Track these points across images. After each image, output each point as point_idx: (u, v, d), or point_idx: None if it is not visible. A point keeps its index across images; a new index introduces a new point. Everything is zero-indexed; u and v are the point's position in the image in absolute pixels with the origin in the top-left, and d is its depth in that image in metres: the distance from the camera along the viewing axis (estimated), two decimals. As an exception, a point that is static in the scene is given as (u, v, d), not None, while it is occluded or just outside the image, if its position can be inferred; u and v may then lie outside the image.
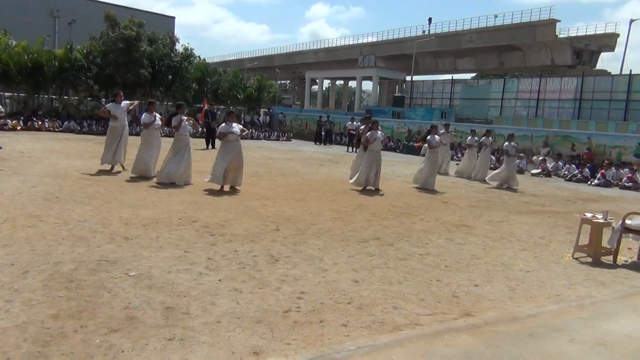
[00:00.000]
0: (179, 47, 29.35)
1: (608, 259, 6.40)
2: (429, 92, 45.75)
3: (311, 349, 3.37)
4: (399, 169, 16.47)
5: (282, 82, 74.46)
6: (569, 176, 17.49)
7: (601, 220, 6.50)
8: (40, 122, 22.31)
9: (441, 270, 5.46)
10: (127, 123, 11.54)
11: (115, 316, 3.64)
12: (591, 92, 33.77)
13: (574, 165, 18.15)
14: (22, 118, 22.40)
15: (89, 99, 27.64)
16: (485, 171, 15.07)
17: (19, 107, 25.42)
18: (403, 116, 36.07)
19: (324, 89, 58.54)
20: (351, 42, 59.69)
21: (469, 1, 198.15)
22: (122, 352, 3.15)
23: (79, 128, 23.14)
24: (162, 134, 11.57)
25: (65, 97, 27.58)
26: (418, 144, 24.66)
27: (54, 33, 45.76)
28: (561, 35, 41.44)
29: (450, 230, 7.54)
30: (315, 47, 64.09)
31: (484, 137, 15.27)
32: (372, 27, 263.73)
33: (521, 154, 17.51)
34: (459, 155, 21.39)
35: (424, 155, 14.15)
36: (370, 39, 57.46)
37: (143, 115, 10.68)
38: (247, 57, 71.09)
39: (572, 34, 42.16)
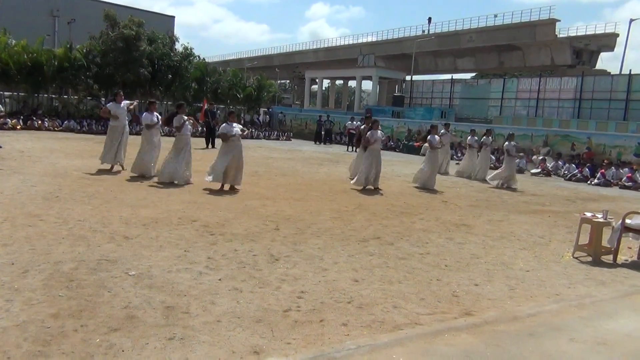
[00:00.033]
0: (178, 47, 29.36)
1: (608, 258, 6.40)
2: (428, 91, 45.78)
3: (311, 348, 3.37)
4: (399, 169, 16.47)
5: (282, 81, 74.53)
6: (569, 176, 17.49)
7: (601, 220, 6.50)
8: (40, 122, 22.30)
9: (441, 269, 5.47)
10: (127, 123, 11.53)
11: (115, 315, 3.64)
12: (591, 91, 33.80)
13: (573, 165, 18.15)
14: (21, 117, 22.38)
15: (88, 98, 27.62)
16: (485, 170, 15.09)
17: (18, 106, 25.39)
18: (403, 116, 36.08)
19: (323, 88, 58.56)
20: (351, 42, 59.69)
21: (469, 1, 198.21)
22: (123, 351, 3.15)
23: (78, 127, 23.13)
24: (162, 133, 11.56)
25: (65, 96, 27.55)
26: (418, 143, 24.70)
27: (54, 32, 45.73)
28: (561, 35, 41.46)
29: (450, 230, 7.54)
30: (315, 47, 64.10)
31: (484, 137, 15.27)
32: (372, 26, 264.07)
33: (521, 154, 17.50)
34: (459, 154, 21.40)
35: (424, 155, 14.16)
36: (370, 39, 57.53)
37: (144, 115, 10.67)
38: (246, 56, 71.09)
39: (572, 33, 42.20)
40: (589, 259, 6.37)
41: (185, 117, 10.14)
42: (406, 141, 26.74)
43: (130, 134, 11.93)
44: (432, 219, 8.31)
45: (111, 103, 11.27)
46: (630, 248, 6.94)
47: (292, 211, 8.01)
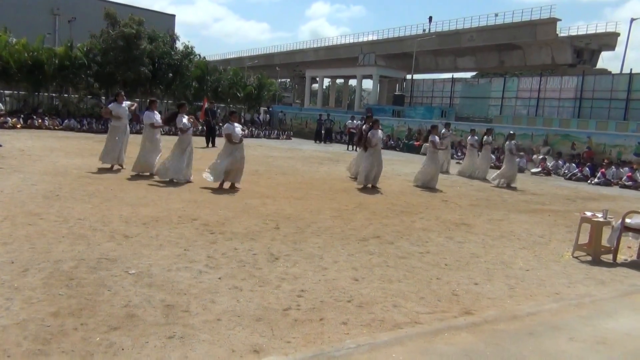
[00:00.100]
0: (179, 45, 29.36)
1: (608, 257, 6.40)
2: (429, 90, 45.80)
3: (311, 347, 3.38)
4: (399, 168, 16.46)
5: (282, 80, 74.52)
6: (569, 175, 17.49)
7: (601, 219, 6.51)
8: (40, 120, 22.29)
9: (441, 268, 5.47)
10: (128, 122, 11.55)
11: (115, 314, 3.65)
12: (591, 91, 33.80)
13: (574, 164, 18.15)
14: (22, 116, 22.37)
15: (89, 97, 27.61)
16: (486, 170, 15.11)
17: (19, 105, 25.39)
18: (403, 115, 36.11)
19: (324, 87, 58.55)
20: (351, 41, 59.69)
21: (470, 0, 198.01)
22: (122, 350, 3.15)
23: (79, 126, 23.13)
24: (162, 132, 11.57)
25: (66, 95, 27.53)
26: (418, 142, 24.71)
27: (54, 31, 45.77)
28: (561, 34, 41.44)
29: (450, 229, 7.54)
30: (315, 46, 64.11)
31: (485, 137, 15.26)
32: (373, 25, 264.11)
33: (521, 153, 17.50)
34: (459, 154, 21.40)
35: (424, 155, 14.17)
36: (370, 38, 57.55)
37: (145, 113, 10.66)
38: (247, 55, 71.12)
39: (573, 32, 42.20)
40: (589, 258, 6.37)
41: (186, 117, 10.14)
42: (406, 140, 26.74)
43: (130, 133, 11.92)
44: (432, 218, 8.31)
45: (112, 103, 11.27)
46: (630, 247, 6.94)
47: (292, 210, 8.01)
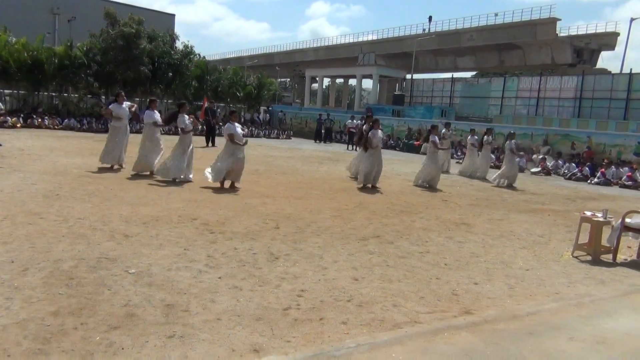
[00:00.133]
0: (179, 45, 29.35)
1: (607, 257, 6.41)
2: (429, 90, 45.78)
3: (311, 347, 3.38)
4: (399, 167, 16.46)
5: (282, 80, 74.46)
6: (569, 175, 17.49)
7: (601, 219, 6.51)
8: (40, 120, 22.28)
9: (441, 268, 5.47)
10: (128, 122, 11.57)
11: (115, 313, 3.65)
12: (591, 90, 33.79)
13: (573, 164, 18.15)
14: (22, 115, 22.35)
15: (89, 96, 27.61)
16: (486, 169, 15.13)
17: (18, 104, 25.37)
18: (403, 114, 36.09)
19: (324, 87, 58.49)
20: (351, 40, 59.65)
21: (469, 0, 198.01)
22: (122, 349, 3.15)
23: (78, 125, 23.11)
24: (162, 132, 11.57)
25: (65, 94, 27.52)
26: (418, 142, 24.70)
27: (54, 30, 45.75)
28: (561, 34, 41.42)
29: (450, 229, 7.54)
30: (315, 45, 64.06)
31: (485, 136, 15.27)
32: (373, 25, 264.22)
33: (521, 153, 17.51)
34: (459, 153, 21.41)
35: (424, 154, 14.18)
36: (370, 37, 57.50)
37: (146, 112, 10.65)
38: (247, 54, 71.09)
39: (573, 32, 42.17)
40: (589, 258, 6.38)
41: (187, 116, 10.15)
42: (406, 140, 26.73)
43: (130, 132, 11.93)
44: (432, 217, 8.32)
45: (113, 104, 11.26)
46: (629, 247, 6.94)
47: (292, 210, 8.01)
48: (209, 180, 9.45)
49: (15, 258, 4.65)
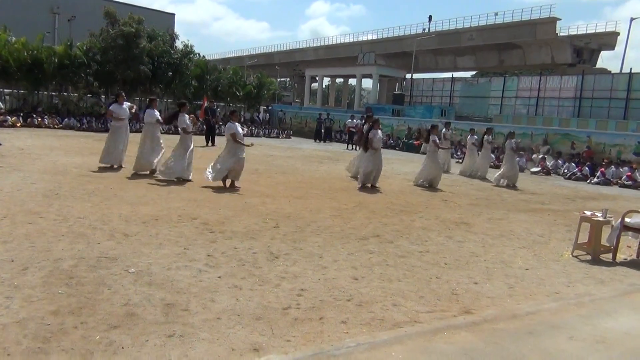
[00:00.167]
0: (178, 44, 29.35)
1: (607, 257, 6.41)
2: (428, 90, 45.77)
3: (311, 346, 3.38)
4: (399, 167, 16.46)
5: (282, 79, 74.44)
6: (569, 174, 17.49)
7: (600, 219, 6.51)
8: (39, 119, 22.28)
9: (441, 267, 5.47)
10: (128, 122, 11.59)
11: (115, 313, 3.65)
12: (591, 90, 33.78)
13: (573, 164, 18.15)
14: (21, 115, 22.36)
15: (88, 95, 27.62)
16: (486, 169, 15.14)
17: (18, 103, 25.38)
18: (403, 114, 36.08)
19: (323, 86, 58.49)
20: (351, 40, 59.63)
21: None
22: (122, 348, 3.15)
23: (78, 125, 23.12)
24: (162, 131, 11.57)
25: (65, 93, 27.52)
26: (418, 141, 24.71)
27: (54, 29, 45.69)
28: (561, 34, 41.41)
29: (449, 228, 7.54)
30: (315, 45, 64.03)
31: (485, 136, 15.27)
32: (372, 24, 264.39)
33: (521, 152, 17.52)
34: (459, 153, 21.41)
35: (424, 154, 14.19)
36: (370, 37, 57.47)
37: (147, 111, 10.64)
38: (247, 54, 71.07)
39: (573, 32, 42.15)
40: (588, 257, 6.38)
41: (187, 116, 10.16)
42: (406, 139, 26.73)
43: (130, 131, 11.94)
44: (431, 217, 8.32)
45: (114, 104, 11.27)
46: (629, 247, 6.95)
47: (292, 209, 8.01)
48: (209, 179, 9.46)
49: (15, 257, 4.65)
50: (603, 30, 41.13)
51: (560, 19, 40.98)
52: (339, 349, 3.30)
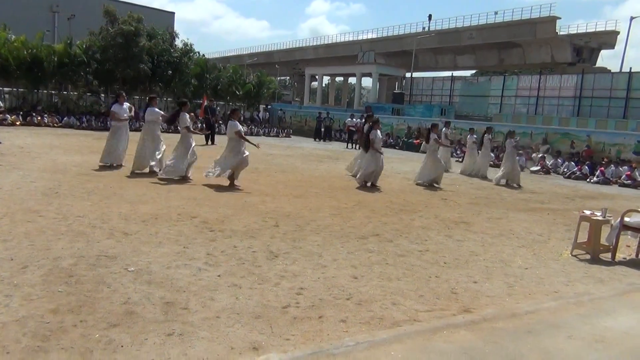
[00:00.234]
0: (178, 43, 29.32)
1: (606, 256, 6.41)
2: (428, 89, 45.72)
3: (310, 345, 3.38)
4: (398, 166, 16.46)
5: (282, 78, 74.38)
6: (568, 173, 17.50)
7: (600, 218, 6.51)
8: (39, 118, 22.27)
9: (440, 266, 5.47)
10: (128, 122, 11.63)
11: (114, 311, 3.65)
12: (591, 89, 33.76)
13: (573, 163, 18.16)
14: (21, 113, 22.35)
15: (88, 94, 27.59)
16: (486, 168, 15.15)
17: (18, 102, 25.35)
18: (402, 113, 36.06)
19: (323, 85, 58.45)
20: (351, 39, 59.71)
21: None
22: (122, 346, 3.15)
23: (78, 123, 23.12)
24: (162, 130, 11.57)
25: (65, 92, 27.50)
26: (418, 140, 24.72)
27: (53, 28, 45.68)
28: (561, 33, 41.38)
29: (449, 227, 7.55)
30: (315, 44, 63.98)
31: (485, 135, 15.28)
32: (372, 23, 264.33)
33: (520, 151, 17.53)
34: (458, 152, 21.41)
35: (424, 153, 14.19)
36: (370, 36, 57.43)
37: (147, 110, 10.62)
38: (246, 53, 71.04)
39: (572, 31, 42.12)
40: (588, 256, 6.38)
41: (187, 115, 10.17)
42: (406, 138, 26.73)
43: (129, 130, 11.95)
44: (431, 216, 8.32)
45: (115, 104, 11.27)
46: (628, 246, 6.95)
47: (292, 208, 8.01)
48: (212, 177, 9.47)
49: (15, 255, 4.65)
50: (603, 29, 41.09)
51: (560, 18, 40.98)
52: (338, 348, 3.30)
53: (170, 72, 27.69)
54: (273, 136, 28.70)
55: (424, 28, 51.20)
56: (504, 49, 45.83)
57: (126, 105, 11.28)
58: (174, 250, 5.24)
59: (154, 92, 25.77)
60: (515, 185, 13.44)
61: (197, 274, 4.56)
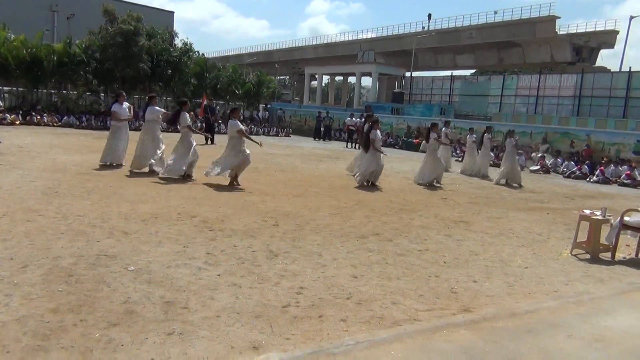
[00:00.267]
0: (178, 42, 29.32)
1: (606, 255, 6.42)
2: (428, 88, 45.74)
3: (310, 344, 3.38)
4: (398, 165, 16.46)
5: (282, 77, 74.37)
6: (568, 173, 17.50)
7: (599, 217, 6.51)
8: (39, 117, 22.25)
9: (440, 266, 5.48)
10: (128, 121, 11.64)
11: (114, 310, 3.65)
12: (590, 89, 33.78)
13: (572, 162, 18.16)
14: (20, 112, 22.33)
15: (87, 93, 27.59)
16: (486, 167, 15.14)
17: (17, 101, 25.35)
18: (402, 112, 36.08)
19: (323, 84, 58.44)
20: (351, 38, 59.72)
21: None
22: (122, 346, 3.15)
23: (77, 123, 23.10)
24: (162, 129, 11.58)
25: (64, 91, 27.50)
26: (417, 140, 24.72)
27: (53, 27, 45.62)
28: (561, 32, 41.38)
29: (449, 227, 7.55)
30: (314, 43, 63.97)
31: (485, 134, 15.28)
32: (372, 23, 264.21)
33: (520, 151, 17.53)
34: (458, 152, 21.41)
35: (424, 152, 14.20)
36: (369, 35, 57.39)
37: (148, 109, 10.61)
38: (246, 52, 71.00)
39: (572, 30, 42.11)
40: (587, 256, 6.38)
41: (187, 114, 10.17)
42: (405, 138, 26.72)
43: (129, 130, 11.96)
44: (431, 215, 8.32)
45: (115, 104, 11.27)
46: (628, 245, 6.96)
47: (292, 207, 8.01)
48: (212, 175, 9.48)
49: (15, 255, 4.65)
50: (602, 28, 41.09)
51: (559, 18, 40.97)
52: (338, 347, 3.30)
53: (170, 71, 27.69)
54: (273, 135, 28.69)
55: (423, 27, 51.21)
56: (503, 48, 45.83)
57: (125, 104, 11.28)
58: (173, 249, 5.24)
59: (153, 92, 25.76)
60: (515, 185, 13.44)
61: (197, 273, 4.56)
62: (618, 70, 36.05)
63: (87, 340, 3.19)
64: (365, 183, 11.08)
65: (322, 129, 28.16)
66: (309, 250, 5.64)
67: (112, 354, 3.05)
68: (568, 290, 5.00)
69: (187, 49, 28.98)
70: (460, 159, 18.60)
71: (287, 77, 74.93)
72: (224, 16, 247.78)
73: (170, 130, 18.52)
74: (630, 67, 33.01)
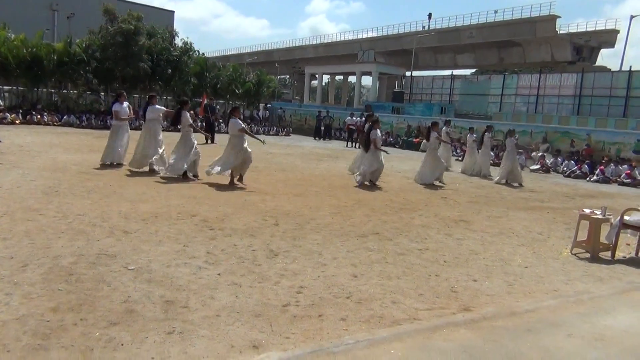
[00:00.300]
0: (178, 42, 29.31)
1: (606, 254, 6.42)
2: (428, 87, 45.69)
3: (310, 343, 3.38)
4: (398, 165, 16.46)
5: (282, 77, 74.36)
6: (568, 172, 17.49)
7: (599, 216, 6.51)
8: (39, 116, 22.26)
9: (440, 265, 5.48)
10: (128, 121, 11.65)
11: (114, 309, 3.65)
12: (591, 88, 33.74)
13: (572, 162, 18.14)
14: (21, 112, 22.35)
15: (88, 93, 27.60)
16: (487, 167, 15.14)
17: (17, 100, 25.37)
18: (402, 112, 36.05)
19: (323, 84, 58.43)
20: (351, 37, 59.60)
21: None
22: (122, 345, 3.15)
23: (78, 122, 23.11)
24: (163, 128, 11.58)
25: (64, 91, 27.51)
26: (417, 139, 24.71)
27: (53, 26, 45.65)
28: (561, 31, 41.34)
29: (449, 226, 7.55)
30: (314, 42, 63.92)
31: (485, 133, 15.28)
32: (372, 22, 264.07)
33: (520, 150, 17.52)
34: (458, 151, 21.41)
35: (424, 152, 14.20)
36: (369, 34, 57.33)
37: (149, 108, 10.61)
38: (246, 51, 70.97)
39: (572, 30, 42.07)
40: (587, 255, 6.39)
41: (187, 114, 10.17)
42: (405, 137, 26.72)
43: (130, 129, 11.95)
44: (431, 214, 8.32)
45: (116, 104, 11.27)
46: (628, 245, 6.96)
47: (292, 206, 8.01)
48: (213, 174, 9.48)
49: (15, 254, 4.65)
50: (603, 28, 41.06)
51: (560, 17, 40.90)
52: (338, 346, 3.30)
53: (170, 70, 27.68)
54: (273, 135, 28.67)
55: (423, 27, 51.17)
56: (503, 47, 45.79)
57: (126, 104, 11.28)
58: (174, 248, 5.24)
59: (153, 91, 25.77)
60: (516, 184, 13.43)
61: (197, 273, 4.57)
62: (618, 69, 36.03)
63: (87, 339, 3.19)
64: (365, 182, 11.08)
65: (322, 128, 28.15)
66: (309, 249, 5.65)
67: (112, 353, 3.05)
68: (568, 290, 5.00)
69: (188, 49, 28.97)
70: (460, 159, 18.60)
71: (287, 76, 74.91)
72: (224, 15, 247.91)
73: (170, 129, 18.53)
74: (630, 67, 32.99)
